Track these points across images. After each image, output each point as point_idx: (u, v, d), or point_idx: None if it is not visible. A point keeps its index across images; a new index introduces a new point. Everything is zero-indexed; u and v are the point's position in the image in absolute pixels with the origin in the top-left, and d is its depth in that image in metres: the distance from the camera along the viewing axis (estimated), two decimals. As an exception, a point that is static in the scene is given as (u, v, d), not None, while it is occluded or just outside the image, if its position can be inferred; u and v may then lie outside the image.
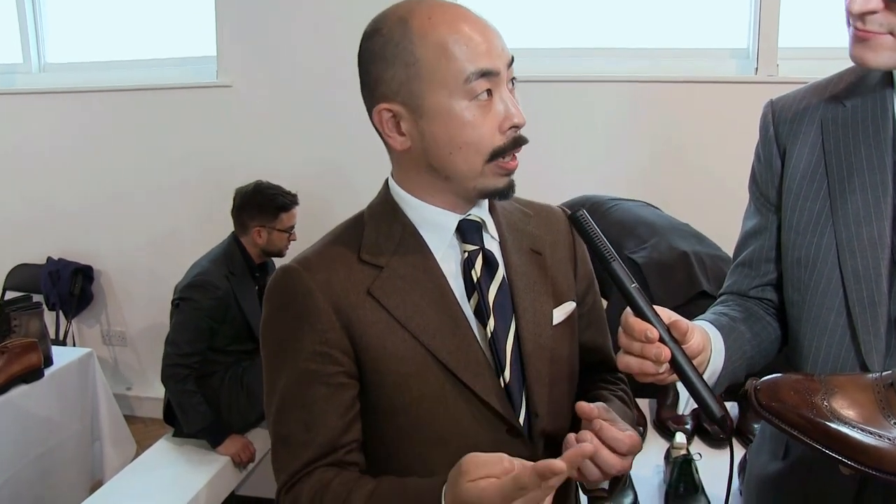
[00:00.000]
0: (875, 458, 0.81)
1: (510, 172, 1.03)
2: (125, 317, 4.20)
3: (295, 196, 3.05)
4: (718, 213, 2.90)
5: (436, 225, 1.07)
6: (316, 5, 3.59)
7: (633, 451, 1.00)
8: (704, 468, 1.80)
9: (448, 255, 1.08)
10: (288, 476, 1.01)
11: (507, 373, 1.06)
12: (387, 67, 0.99)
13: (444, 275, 1.06)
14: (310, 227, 3.54)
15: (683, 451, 1.83)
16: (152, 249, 4.05)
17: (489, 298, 1.06)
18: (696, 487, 1.74)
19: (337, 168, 3.73)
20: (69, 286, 4.01)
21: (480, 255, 1.08)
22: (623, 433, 0.98)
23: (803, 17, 3.22)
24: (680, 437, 1.89)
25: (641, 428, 2.11)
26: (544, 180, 3.29)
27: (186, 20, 3.88)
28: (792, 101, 1.17)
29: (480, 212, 1.10)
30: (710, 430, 2.04)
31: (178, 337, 2.83)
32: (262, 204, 2.96)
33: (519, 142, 1.02)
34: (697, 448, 1.96)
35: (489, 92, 0.98)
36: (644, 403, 2.23)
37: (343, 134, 3.59)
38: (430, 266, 1.06)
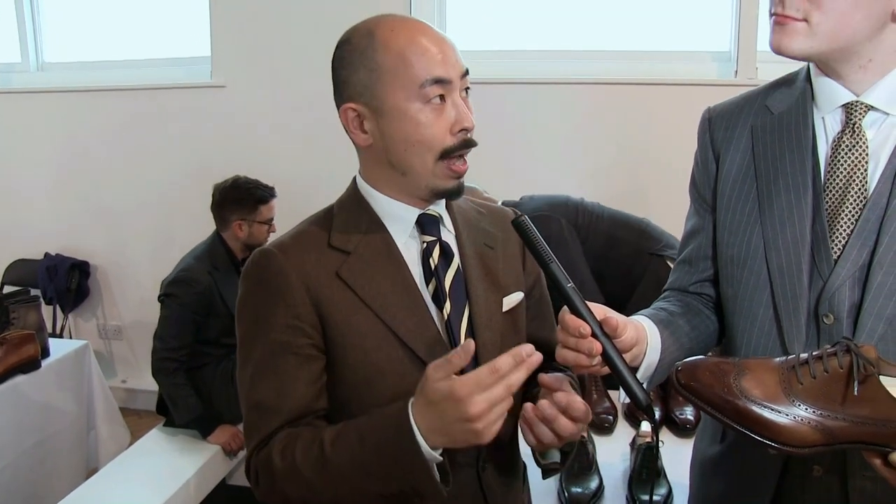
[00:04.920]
0: (775, 431, 0.91)
1: (460, 175, 1.15)
2: (121, 312, 4.29)
3: (272, 189, 3.10)
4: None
5: (398, 217, 1.18)
6: (310, 5, 3.66)
7: (586, 419, 1.10)
8: (669, 455, 1.90)
9: (409, 245, 1.19)
10: (259, 440, 1.11)
11: None
12: (353, 72, 1.12)
13: (405, 262, 1.17)
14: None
15: (648, 439, 1.92)
16: (148, 246, 4.13)
17: (445, 284, 1.18)
18: (658, 473, 1.83)
19: (331, 169, 3.73)
20: (66, 281, 4.11)
21: (438, 246, 1.19)
22: (578, 400, 1.09)
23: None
24: (645, 426, 1.98)
25: (612, 417, 2.20)
26: (526, 177, 3.38)
27: (181, 20, 3.96)
28: (727, 108, 1.27)
29: (438, 208, 1.21)
30: (679, 420, 2.13)
31: (164, 332, 2.91)
32: (240, 198, 3.03)
33: (468, 143, 1.14)
34: (665, 437, 2.05)
35: (442, 97, 1.10)
36: (615, 395, 2.33)
37: (337, 135, 3.61)
38: (392, 253, 1.17)
